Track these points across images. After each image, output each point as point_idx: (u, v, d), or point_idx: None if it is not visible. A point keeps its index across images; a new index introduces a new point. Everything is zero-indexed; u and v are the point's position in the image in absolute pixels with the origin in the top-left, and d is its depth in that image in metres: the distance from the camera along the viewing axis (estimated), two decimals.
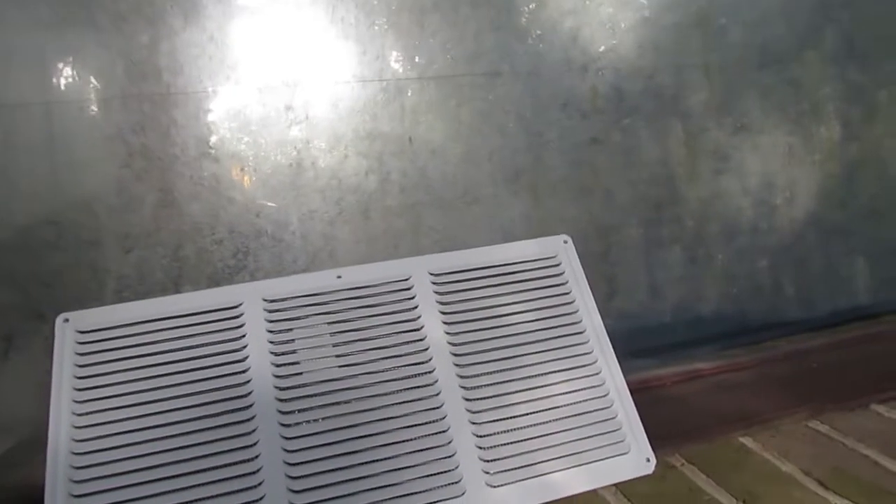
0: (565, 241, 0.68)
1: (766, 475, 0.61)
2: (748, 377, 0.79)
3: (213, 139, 0.62)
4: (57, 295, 0.60)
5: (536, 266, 0.66)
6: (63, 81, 0.59)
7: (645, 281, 0.80)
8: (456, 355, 0.59)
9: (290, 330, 0.56)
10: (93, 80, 0.59)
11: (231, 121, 0.63)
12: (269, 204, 0.64)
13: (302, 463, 0.52)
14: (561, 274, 0.66)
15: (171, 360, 0.53)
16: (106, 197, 0.61)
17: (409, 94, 0.67)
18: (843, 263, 0.91)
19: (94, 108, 0.60)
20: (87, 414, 0.51)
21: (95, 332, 0.54)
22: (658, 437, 0.64)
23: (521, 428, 0.58)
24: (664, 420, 0.71)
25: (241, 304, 0.56)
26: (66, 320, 0.55)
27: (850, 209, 0.91)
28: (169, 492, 0.49)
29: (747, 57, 0.83)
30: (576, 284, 0.66)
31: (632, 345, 0.80)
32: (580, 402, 0.61)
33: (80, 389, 0.52)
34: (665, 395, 0.75)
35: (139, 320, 0.54)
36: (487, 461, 0.56)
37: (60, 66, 0.59)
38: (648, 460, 0.61)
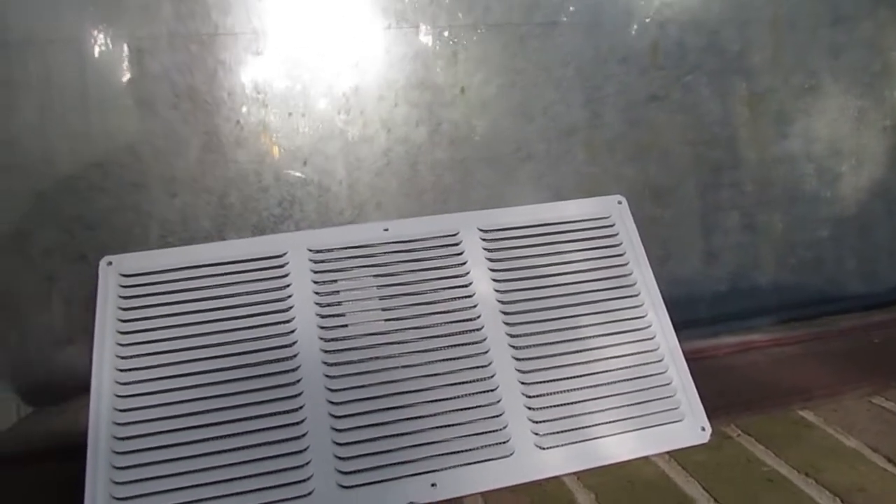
0: (620, 202, 0.65)
1: (829, 449, 0.58)
2: (806, 350, 0.76)
3: (261, 83, 0.60)
4: (100, 238, 0.59)
5: (590, 226, 0.63)
6: (108, 17, 0.57)
7: (701, 247, 0.76)
8: (505, 313, 0.57)
9: (336, 282, 0.55)
10: (139, 16, 0.58)
11: (280, 65, 0.60)
12: (317, 152, 0.62)
13: (347, 416, 0.51)
14: (615, 235, 0.63)
15: (215, 307, 0.52)
16: (152, 139, 0.59)
17: (463, 42, 0.64)
18: None
19: (140, 46, 0.58)
20: (130, 357, 0.51)
21: (139, 276, 0.53)
22: (712, 407, 0.61)
23: (572, 390, 0.56)
24: (718, 390, 0.68)
25: (285, 254, 0.55)
26: (110, 263, 0.54)
27: None
28: (212, 438, 0.48)
29: (818, 13, 0.78)
30: (630, 246, 0.63)
31: (685, 313, 0.76)
32: (633, 366, 0.59)
33: (123, 333, 0.51)
34: (719, 364, 0.72)
35: (183, 265, 0.53)
36: (537, 422, 0.54)
37: (108, 4, 0.57)
38: (703, 429, 0.58)
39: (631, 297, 0.61)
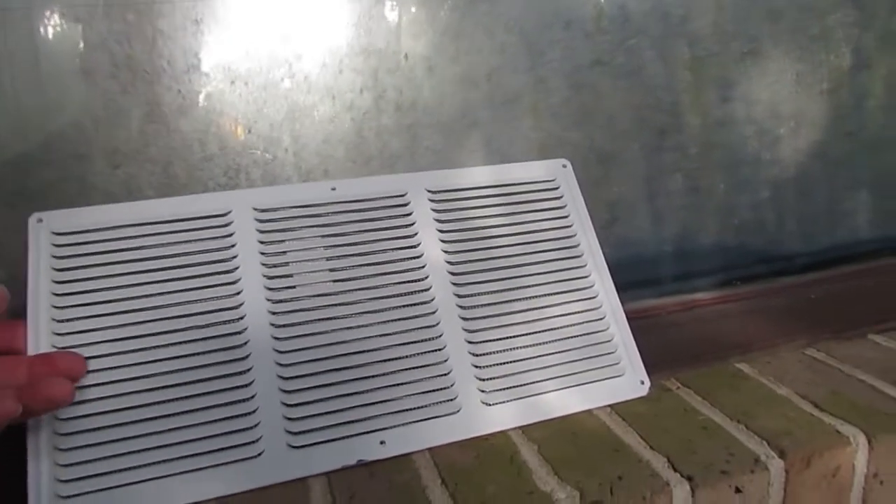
0: (564, 166, 0.66)
1: (761, 397, 0.60)
2: (746, 307, 0.79)
3: (202, 51, 0.60)
4: (43, 210, 0.59)
5: (535, 188, 0.64)
6: None
7: (646, 209, 0.78)
8: (453, 274, 0.58)
9: (283, 242, 0.55)
10: None
11: (221, 32, 0.60)
12: (261, 119, 0.62)
13: (295, 378, 0.52)
14: (559, 198, 0.65)
15: (156, 267, 0.52)
16: (93, 110, 0.59)
17: (406, 7, 0.64)
18: (847, 196, 0.90)
19: (77, 15, 0.57)
20: (66, 321, 0.49)
21: (73, 235, 0.52)
22: (654, 363, 0.64)
23: (518, 348, 0.58)
24: (661, 347, 0.71)
25: (230, 212, 0.55)
26: (40, 220, 0.52)
27: (857, 141, 0.89)
28: (157, 403, 0.48)
29: None
30: (574, 209, 0.65)
31: (631, 274, 0.79)
32: (576, 324, 0.60)
33: (57, 295, 0.50)
34: (663, 322, 0.74)
35: (122, 224, 0.52)
36: (483, 380, 0.56)
37: None
38: (643, 382, 0.60)
39: (575, 257, 0.63)
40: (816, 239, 0.88)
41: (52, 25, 0.56)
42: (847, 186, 0.89)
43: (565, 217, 0.64)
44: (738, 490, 0.51)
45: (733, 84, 0.80)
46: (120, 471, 0.46)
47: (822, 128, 0.86)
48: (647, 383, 0.60)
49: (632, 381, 0.60)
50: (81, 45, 0.57)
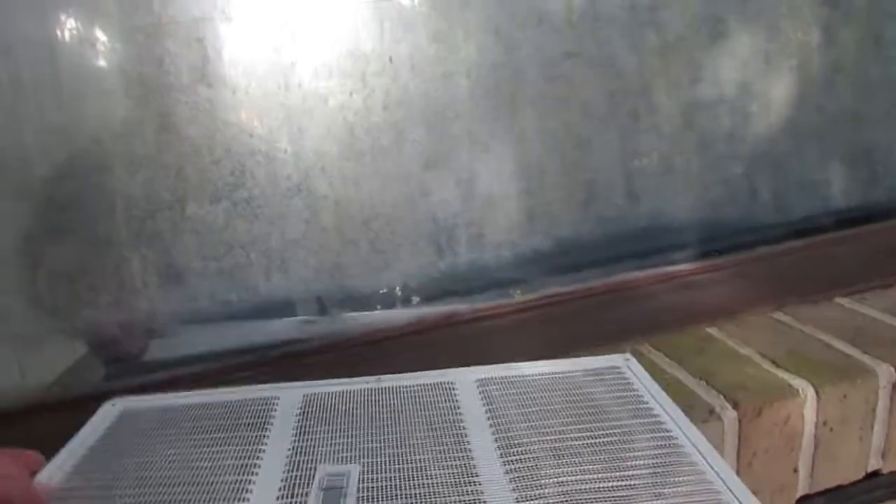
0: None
1: (724, 357, 0.66)
2: (721, 277, 0.84)
3: (206, 66, 0.66)
4: (71, 216, 0.66)
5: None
6: (62, 18, 0.62)
7: (622, 189, 0.84)
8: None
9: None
10: (88, 15, 0.63)
11: (221, 48, 0.66)
12: (261, 125, 0.69)
13: None
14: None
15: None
16: (111, 125, 0.65)
17: (388, 12, 0.70)
18: (818, 168, 0.95)
19: (92, 42, 0.63)
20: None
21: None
22: (631, 330, 0.70)
23: None
24: (637, 316, 0.77)
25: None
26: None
27: (827, 114, 0.94)
28: None
29: None
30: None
31: (610, 250, 0.85)
32: None
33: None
34: (640, 294, 0.80)
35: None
36: None
37: (58, 3, 0.62)
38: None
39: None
40: (790, 210, 0.93)
41: (69, 52, 0.63)
42: (818, 159, 0.94)
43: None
44: None
45: (703, 66, 0.85)
46: None
47: (792, 103, 0.91)
48: None
49: None
50: (98, 68, 0.63)
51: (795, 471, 0.62)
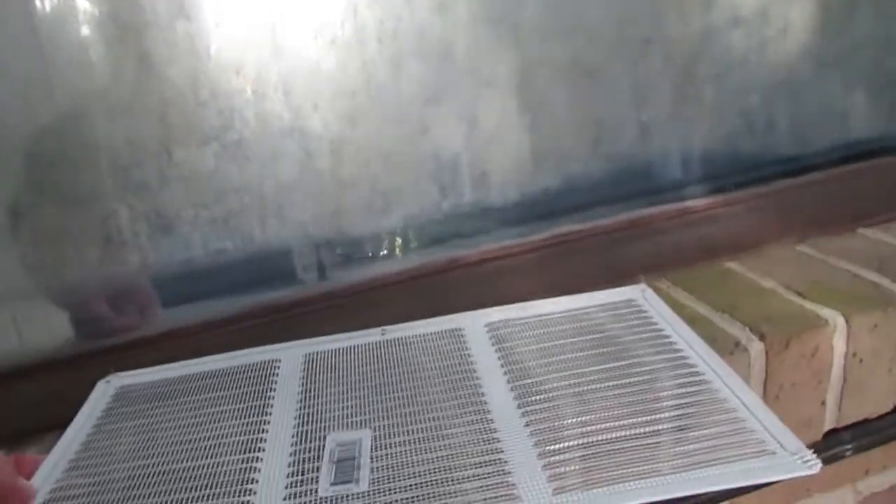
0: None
1: (747, 291, 0.63)
2: (738, 211, 0.80)
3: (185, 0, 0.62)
4: (51, 169, 0.62)
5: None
6: None
7: (634, 122, 0.79)
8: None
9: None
10: None
11: None
12: (248, 61, 0.64)
13: None
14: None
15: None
16: (87, 71, 0.61)
17: None
18: (839, 97, 0.90)
19: None
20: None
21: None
22: (648, 267, 0.67)
23: None
24: (654, 253, 0.73)
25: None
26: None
27: (849, 39, 0.88)
28: None
29: None
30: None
31: (623, 187, 0.81)
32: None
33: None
34: (655, 230, 0.77)
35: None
36: None
37: None
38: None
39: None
40: (809, 141, 0.89)
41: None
42: (840, 87, 0.89)
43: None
44: None
45: None
46: None
47: (813, 28, 0.86)
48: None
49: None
50: (69, 6, 0.59)
51: (823, 404, 0.59)
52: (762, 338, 0.55)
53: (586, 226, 0.76)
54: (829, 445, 0.59)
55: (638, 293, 0.62)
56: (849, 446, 0.61)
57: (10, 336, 0.66)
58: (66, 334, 0.68)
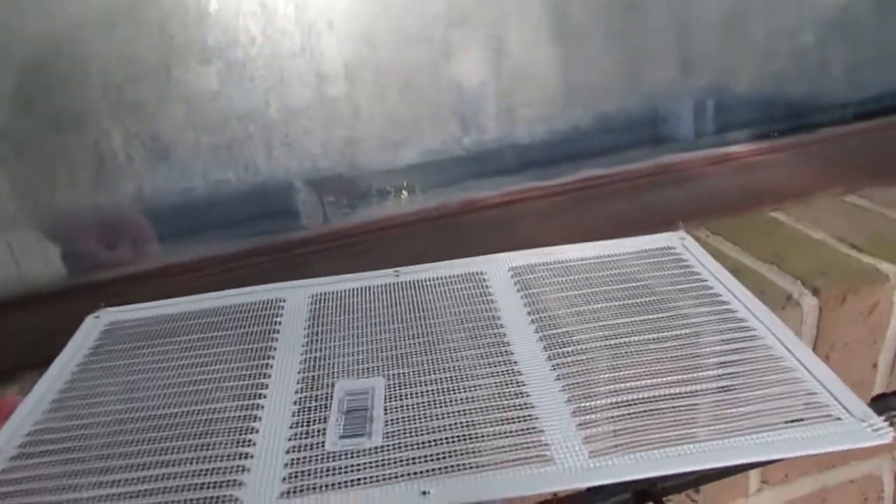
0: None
1: (795, 241, 0.58)
2: (783, 158, 0.74)
3: None
4: (44, 88, 0.57)
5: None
6: None
7: (676, 59, 0.73)
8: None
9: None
10: None
11: None
12: None
13: None
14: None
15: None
16: None
17: None
18: None
19: None
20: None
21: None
22: (686, 214, 0.61)
23: None
24: (692, 199, 0.68)
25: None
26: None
27: None
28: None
29: None
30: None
31: (660, 129, 0.75)
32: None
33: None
34: (694, 175, 0.71)
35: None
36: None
37: None
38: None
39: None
40: (863, 86, 0.82)
41: None
42: None
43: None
44: None
45: None
46: None
47: None
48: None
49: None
50: None
51: (874, 366, 0.54)
52: (815, 292, 0.50)
53: (618, 169, 0.70)
54: (876, 411, 0.55)
55: (676, 240, 0.56)
56: None
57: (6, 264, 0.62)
58: (58, 267, 0.64)
